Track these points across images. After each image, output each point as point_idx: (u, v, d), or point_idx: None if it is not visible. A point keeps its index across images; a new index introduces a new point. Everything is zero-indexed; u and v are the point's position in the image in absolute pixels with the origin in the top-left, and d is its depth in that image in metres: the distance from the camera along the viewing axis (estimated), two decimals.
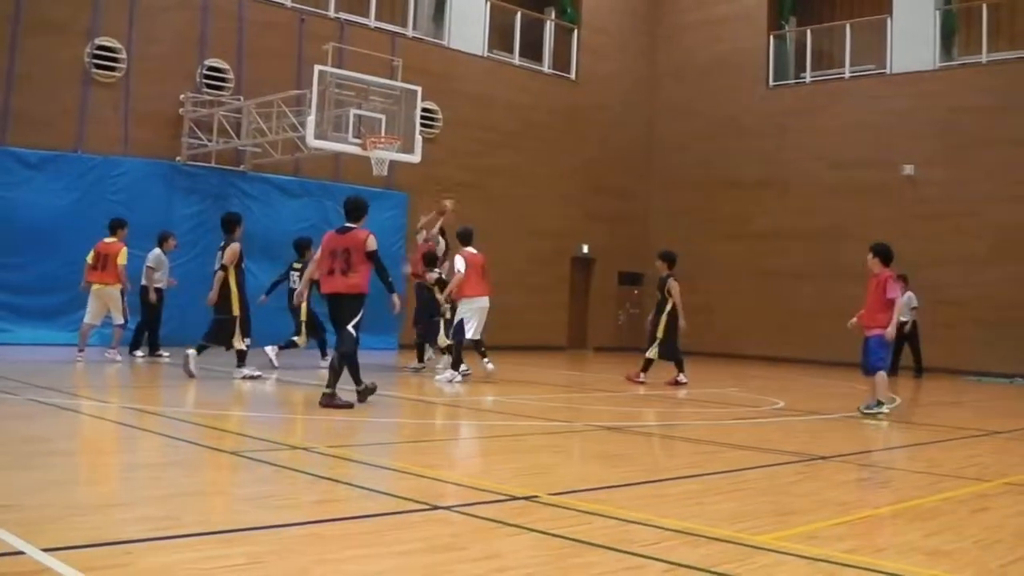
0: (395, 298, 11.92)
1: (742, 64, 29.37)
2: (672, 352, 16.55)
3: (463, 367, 15.31)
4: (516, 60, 27.76)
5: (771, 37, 29.39)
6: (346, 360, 11.22)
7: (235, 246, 13.99)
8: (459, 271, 15.18)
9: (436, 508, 5.77)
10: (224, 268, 13.98)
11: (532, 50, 28.40)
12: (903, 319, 20.59)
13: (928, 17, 26.39)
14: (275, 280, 17.24)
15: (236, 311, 13.92)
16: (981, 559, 5.26)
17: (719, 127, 29.19)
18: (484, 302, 15.36)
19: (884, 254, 12.86)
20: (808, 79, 28.95)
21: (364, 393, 11.52)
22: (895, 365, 20.93)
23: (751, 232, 27.42)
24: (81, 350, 16.14)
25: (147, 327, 17.56)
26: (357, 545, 4.95)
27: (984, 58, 25.59)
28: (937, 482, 7.89)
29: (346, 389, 11.31)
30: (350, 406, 10.90)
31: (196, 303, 19.62)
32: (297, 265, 16.75)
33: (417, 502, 5.91)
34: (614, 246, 28.85)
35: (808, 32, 29.18)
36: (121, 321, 16.69)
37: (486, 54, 26.91)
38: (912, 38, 26.44)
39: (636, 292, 29.40)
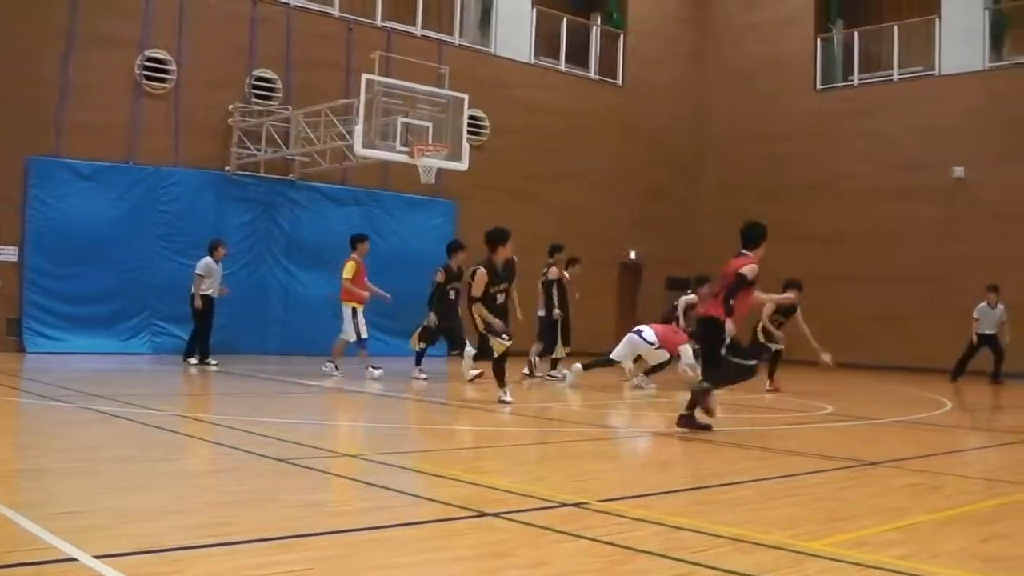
0: None
1: (790, 67, 29.19)
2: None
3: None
4: (563, 66, 27.75)
5: (818, 40, 29.20)
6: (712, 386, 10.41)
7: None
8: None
9: (484, 515, 5.76)
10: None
11: (579, 56, 28.39)
12: (989, 332, 20.56)
13: (977, 17, 26.10)
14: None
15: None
16: None
17: (768, 130, 28.99)
18: None
19: None
20: (856, 82, 28.71)
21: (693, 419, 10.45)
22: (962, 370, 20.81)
23: (802, 235, 27.13)
24: None
25: (199, 335, 17.66)
26: (407, 552, 4.96)
27: None
28: (992, 487, 7.80)
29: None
30: (708, 428, 10.33)
31: (246, 311, 19.91)
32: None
33: (466, 509, 5.92)
34: (663, 252, 28.69)
35: (855, 34, 28.94)
36: None
37: (533, 61, 26.93)
38: (961, 38, 26.15)
39: None
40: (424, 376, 16.06)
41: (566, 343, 17.74)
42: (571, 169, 26.86)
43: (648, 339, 16.42)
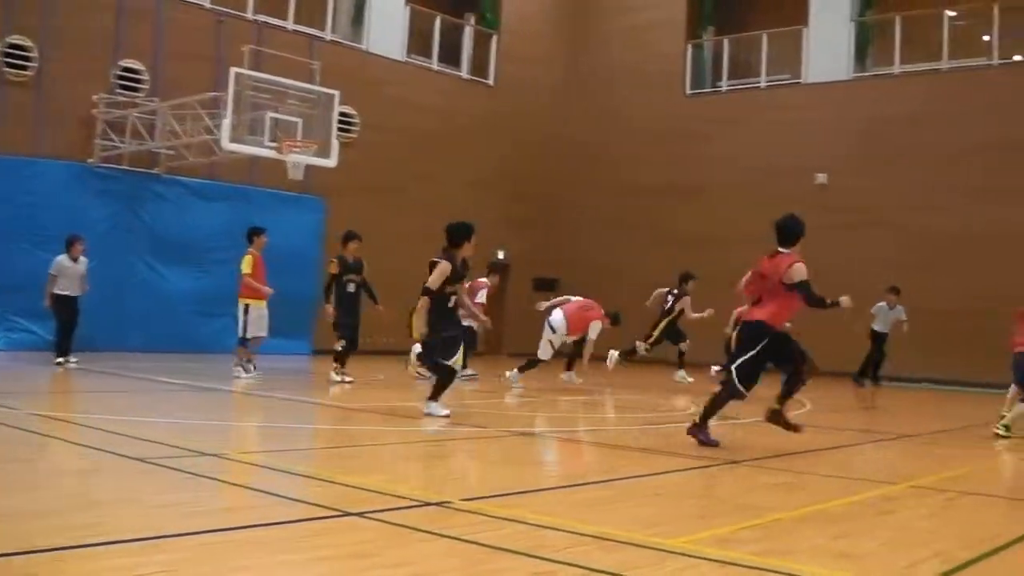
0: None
1: (661, 72, 29.57)
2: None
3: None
4: (435, 65, 27.72)
5: (689, 45, 29.67)
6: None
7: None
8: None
9: (348, 515, 5.71)
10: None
11: (451, 55, 28.38)
12: (881, 330, 20.88)
13: (843, 28, 26.82)
14: None
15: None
16: (888, 560, 5.35)
17: (639, 134, 29.30)
18: None
19: None
20: (724, 88, 29.27)
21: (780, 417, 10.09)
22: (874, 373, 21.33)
23: (670, 239, 27.49)
24: None
25: (61, 333, 17.05)
26: (271, 552, 4.89)
27: (896, 69, 26.08)
28: (848, 485, 8.01)
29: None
30: (798, 429, 10.04)
31: (107, 307, 19.40)
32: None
33: (330, 508, 5.87)
34: (531, 252, 28.83)
35: (725, 41, 29.49)
36: None
37: (405, 59, 26.84)
38: (827, 49, 26.87)
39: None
40: (350, 380, 15.57)
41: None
42: (441, 168, 26.80)
43: (552, 324, 16.72)
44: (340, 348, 15.70)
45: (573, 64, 31.15)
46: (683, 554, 5.13)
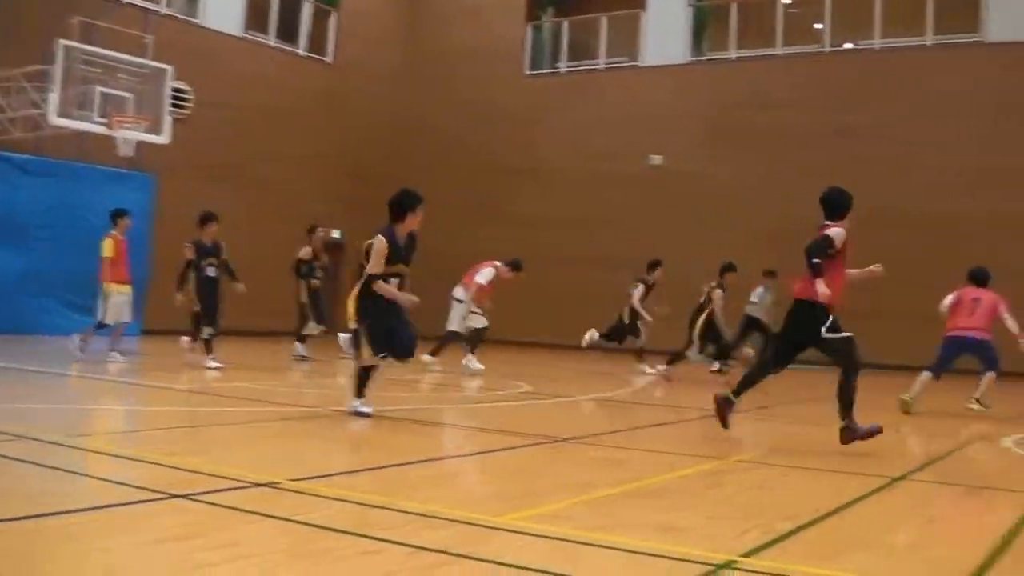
0: None
1: (501, 52, 29.68)
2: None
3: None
4: (272, 41, 27.31)
5: (529, 26, 29.83)
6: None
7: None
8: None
9: (173, 497, 5.60)
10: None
11: (290, 31, 27.99)
12: (759, 316, 20.12)
13: (681, 13, 27.33)
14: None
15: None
16: (711, 532, 5.47)
17: (479, 115, 29.36)
18: None
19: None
20: (563, 69, 29.54)
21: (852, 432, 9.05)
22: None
23: (510, 219, 27.65)
24: None
25: None
26: (93, 537, 4.76)
27: (733, 54, 26.71)
28: (673, 460, 8.19)
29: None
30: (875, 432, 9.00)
31: None
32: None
33: (154, 491, 5.73)
34: (368, 232, 28.39)
35: (565, 23, 29.76)
36: None
37: (242, 34, 26.36)
38: (665, 33, 27.34)
39: None
40: (219, 366, 14.85)
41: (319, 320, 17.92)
42: (279, 146, 26.41)
43: (454, 295, 16.61)
44: (207, 335, 15.08)
45: (413, 44, 31.00)
46: (509, 531, 5.17)
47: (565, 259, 26.68)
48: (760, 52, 26.58)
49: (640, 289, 18.22)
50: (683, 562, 4.76)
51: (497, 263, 17.08)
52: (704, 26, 27.89)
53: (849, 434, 8.85)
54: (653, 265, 18.52)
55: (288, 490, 5.97)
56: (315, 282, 17.76)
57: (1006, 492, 7.66)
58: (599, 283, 24.62)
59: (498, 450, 8.22)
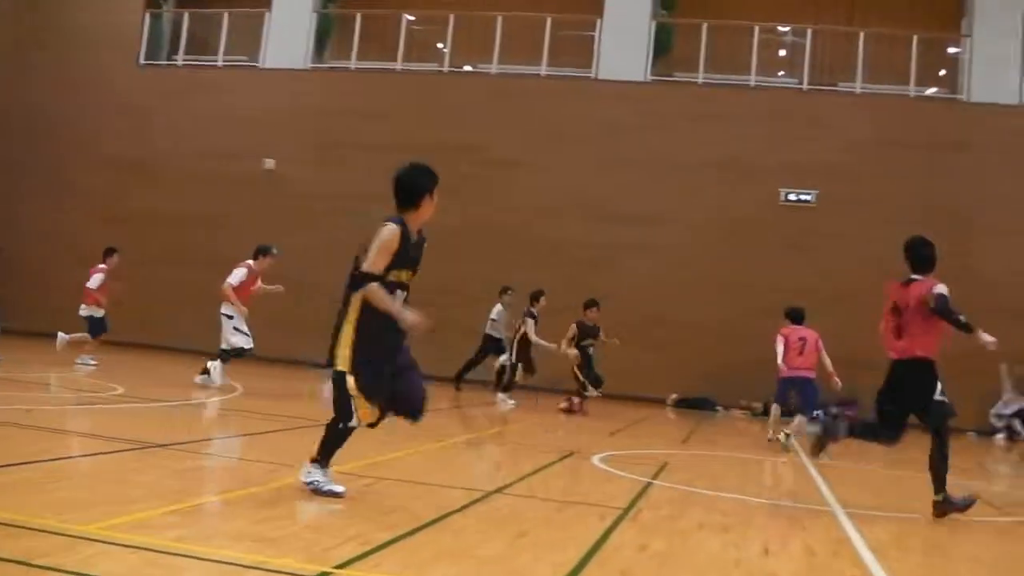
0: None
1: (115, 38, 28.15)
2: None
3: None
4: None
5: (148, 14, 28.67)
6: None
7: None
8: None
9: None
10: None
11: None
12: (498, 335, 19.90)
13: (305, 17, 27.16)
14: None
15: None
16: (307, 543, 5.45)
17: (93, 101, 27.67)
18: None
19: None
20: (180, 62, 28.60)
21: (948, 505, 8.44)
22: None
23: (119, 216, 26.22)
24: None
25: None
26: None
27: (353, 64, 26.86)
28: (274, 470, 8.07)
29: None
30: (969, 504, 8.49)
31: None
32: None
33: None
34: None
35: (186, 14, 28.85)
36: None
37: None
38: (286, 36, 27.03)
39: None
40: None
41: None
42: None
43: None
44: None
45: (24, 21, 28.99)
46: (97, 540, 4.94)
47: (175, 259, 25.60)
48: (381, 64, 26.86)
49: (531, 323, 18.23)
50: (276, 573, 4.71)
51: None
52: (328, 33, 27.87)
53: (947, 506, 8.43)
54: (536, 296, 18.51)
55: None
56: None
57: (594, 506, 8.02)
58: (207, 285, 24.08)
59: (89, 455, 7.89)
